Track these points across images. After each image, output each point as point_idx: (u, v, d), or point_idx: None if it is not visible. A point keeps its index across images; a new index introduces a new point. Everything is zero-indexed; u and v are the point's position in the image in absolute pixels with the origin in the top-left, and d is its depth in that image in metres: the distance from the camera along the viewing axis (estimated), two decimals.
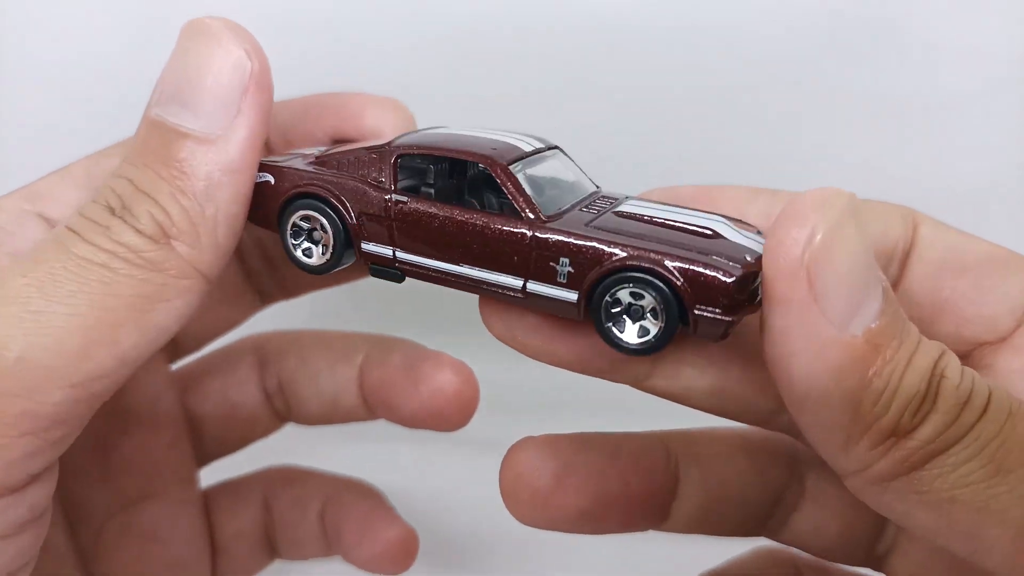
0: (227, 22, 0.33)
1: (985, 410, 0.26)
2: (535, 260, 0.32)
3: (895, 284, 0.35)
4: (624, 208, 0.34)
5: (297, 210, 0.35)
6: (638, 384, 0.35)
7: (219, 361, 0.47)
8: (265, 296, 0.47)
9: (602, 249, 0.31)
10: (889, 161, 0.58)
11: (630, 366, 0.34)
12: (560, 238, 0.31)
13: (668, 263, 0.30)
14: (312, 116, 0.40)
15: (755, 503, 0.39)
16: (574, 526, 0.38)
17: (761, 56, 0.56)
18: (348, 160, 0.35)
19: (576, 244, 0.31)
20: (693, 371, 0.34)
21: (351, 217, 0.34)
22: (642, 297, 0.31)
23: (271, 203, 0.35)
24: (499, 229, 0.32)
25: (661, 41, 0.56)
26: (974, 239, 0.35)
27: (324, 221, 0.35)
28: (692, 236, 0.32)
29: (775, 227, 0.27)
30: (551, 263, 0.32)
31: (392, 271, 0.34)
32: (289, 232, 0.35)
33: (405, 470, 0.56)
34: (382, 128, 0.39)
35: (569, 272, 0.31)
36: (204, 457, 0.47)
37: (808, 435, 0.29)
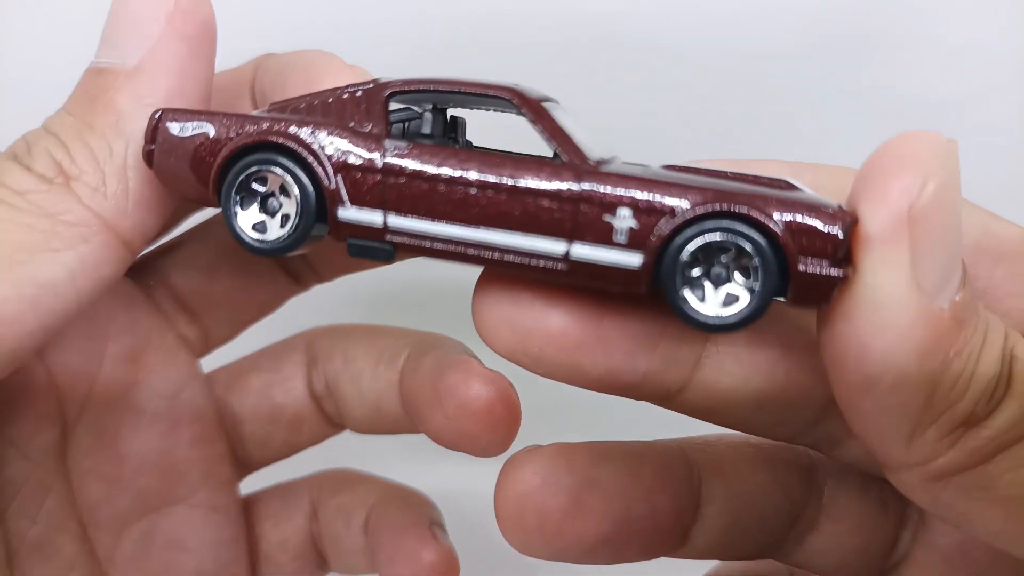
0: None
1: None
2: (584, 215, 0.25)
3: None
4: (673, 164, 0.28)
5: (247, 167, 0.26)
6: (666, 400, 0.30)
7: (265, 358, 0.43)
8: (298, 279, 0.41)
9: (677, 195, 0.24)
10: None
11: (665, 379, 0.28)
12: (618, 184, 0.25)
13: (767, 208, 0.24)
14: (280, 79, 0.34)
15: (776, 520, 0.35)
16: (588, 556, 0.32)
17: (759, 56, 0.56)
18: (318, 103, 0.28)
19: (641, 191, 0.24)
20: (734, 380, 0.29)
21: (326, 175, 0.26)
22: (727, 254, 0.24)
23: (207, 161, 0.27)
24: (536, 177, 0.25)
25: (659, 41, 0.56)
26: (1007, 223, 0.31)
27: (289, 181, 0.26)
28: (769, 187, 0.26)
29: (875, 172, 0.24)
30: (606, 216, 0.25)
31: (380, 246, 0.26)
32: (234, 200, 0.27)
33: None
34: None
35: (631, 228, 0.24)
36: (248, 463, 0.43)
37: (863, 424, 0.25)
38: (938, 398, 0.23)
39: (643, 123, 0.57)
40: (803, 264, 0.24)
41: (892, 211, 0.23)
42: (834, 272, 0.24)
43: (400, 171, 0.26)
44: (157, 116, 0.28)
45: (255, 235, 0.27)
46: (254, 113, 0.28)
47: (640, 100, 0.57)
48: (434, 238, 0.26)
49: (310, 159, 0.26)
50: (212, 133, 0.27)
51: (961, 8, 0.56)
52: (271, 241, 0.27)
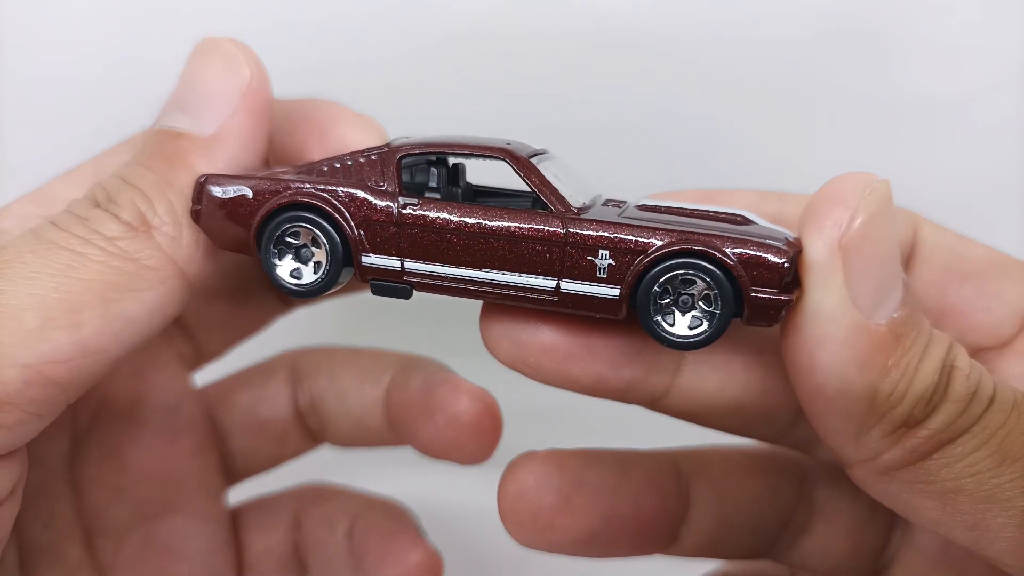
0: (235, 41, 0.33)
1: (991, 402, 0.27)
2: (570, 256, 0.30)
3: None
4: (644, 203, 0.33)
5: (284, 224, 0.31)
6: (654, 404, 0.34)
7: (252, 376, 0.46)
8: (287, 299, 0.45)
9: (647, 237, 0.29)
10: (887, 162, 0.58)
11: (648, 385, 0.33)
12: (598, 230, 0.29)
13: (722, 246, 0.28)
14: (288, 124, 0.38)
15: (767, 523, 0.38)
16: (580, 549, 0.36)
17: (758, 56, 0.56)
18: (339, 166, 0.32)
19: (617, 235, 0.29)
20: (713, 386, 0.33)
21: (351, 228, 0.31)
22: (692, 285, 0.29)
23: (247, 219, 0.31)
24: (528, 226, 0.30)
25: (656, 42, 0.56)
26: (974, 243, 0.35)
27: (320, 235, 0.31)
28: (726, 223, 0.31)
29: (814, 208, 0.27)
30: (589, 257, 0.29)
31: (399, 286, 0.31)
32: (272, 251, 0.32)
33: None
34: (349, 146, 0.37)
35: (610, 265, 0.29)
36: (234, 474, 0.46)
37: (818, 424, 0.29)
38: (878, 403, 0.27)
39: (638, 126, 0.57)
40: (755, 292, 0.28)
41: (827, 241, 0.26)
42: (782, 297, 0.28)
43: (413, 224, 0.31)
44: (202, 180, 0.32)
45: (293, 281, 0.32)
46: (284, 176, 0.32)
47: (639, 100, 0.57)
48: (445, 278, 0.31)
49: (336, 215, 0.31)
50: (250, 195, 0.32)
51: (961, 8, 0.56)
52: (307, 285, 0.32)
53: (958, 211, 0.60)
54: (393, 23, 0.56)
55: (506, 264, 0.30)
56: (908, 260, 0.35)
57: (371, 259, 0.31)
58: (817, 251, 0.27)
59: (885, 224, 0.27)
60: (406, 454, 0.44)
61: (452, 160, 0.35)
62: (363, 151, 0.32)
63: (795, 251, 0.28)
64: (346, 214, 0.31)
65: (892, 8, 0.55)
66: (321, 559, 0.46)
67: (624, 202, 0.33)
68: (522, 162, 0.31)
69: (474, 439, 0.40)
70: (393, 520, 0.45)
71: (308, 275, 0.32)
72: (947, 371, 0.27)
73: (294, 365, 0.46)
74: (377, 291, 0.32)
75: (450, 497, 0.55)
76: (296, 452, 0.46)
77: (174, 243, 0.31)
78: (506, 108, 0.56)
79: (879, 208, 0.27)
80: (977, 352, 0.34)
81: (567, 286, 0.30)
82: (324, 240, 0.31)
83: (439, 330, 0.53)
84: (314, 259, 0.32)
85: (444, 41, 0.56)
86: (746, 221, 0.32)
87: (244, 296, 0.43)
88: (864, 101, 0.57)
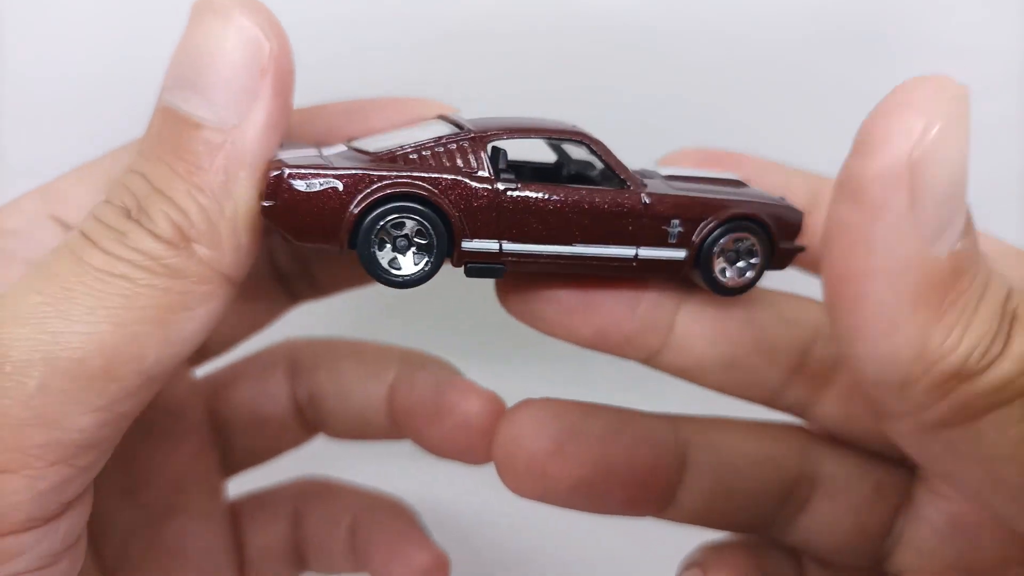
0: (244, 3, 0.30)
1: None
2: (648, 226, 0.33)
3: None
4: (667, 173, 0.37)
5: (388, 215, 0.31)
6: (651, 360, 0.36)
7: (251, 368, 0.45)
8: (295, 295, 0.44)
9: (710, 206, 0.34)
10: None
11: (645, 339, 0.35)
12: (673, 202, 0.33)
13: (763, 212, 0.34)
14: (356, 119, 0.37)
15: (765, 493, 0.38)
16: (572, 499, 0.36)
17: (758, 56, 0.56)
18: (429, 154, 0.32)
19: (687, 205, 0.33)
20: (704, 343, 0.35)
21: (454, 215, 0.31)
22: (741, 243, 0.34)
23: (340, 212, 0.30)
24: (613, 201, 0.33)
25: (656, 41, 0.56)
26: (984, 236, 0.33)
27: (426, 224, 0.31)
28: (737, 188, 0.36)
29: (881, 114, 0.25)
30: (663, 226, 0.33)
31: (494, 267, 0.32)
32: (373, 243, 0.31)
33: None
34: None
35: (680, 232, 0.33)
36: (231, 467, 0.46)
37: (859, 369, 0.26)
38: (930, 348, 0.24)
39: (637, 124, 0.57)
40: (782, 244, 0.35)
41: (894, 153, 0.23)
42: (800, 245, 0.36)
43: (512, 206, 0.32)
44: (280, 174, 0.30)
45: (395, 272, 0.31)
46: (373, 170, 0.31)
47: (638, 100, 0.57)
48: (540, 256, 0.33)
49: (442, 203, 0.31)
50: (340, 187, 0.30)
51: (961, 8, 0.56)
52: (410, 275, 0.31)
53: None
54: (391, 22, 0.56)
55: (594, 238, 0.33)
56: None
57: (472, 244, 0.32)
58: (881, 164, 0.23)
59: (960, 138, 0.23)
60: (403, 447, 0.45)
61: (495, 144, 0.35)
62: (449, 138, 0.32)
63: (801, 213, 0.36)
64: (448, 201, 0.31)
65: (892, 8, 0.56)
66: (323, 557, 0.45)
67: (649, 171, 0.37)
68: (596, 143, 0.34)
69: (484, 441, 0.40)
70: (398, 519, 0.45)
71: (408, 265, 0.31)
72: (1008, 319, 0.24)
73: (293, 357, 0.45)
74: (472, 273, 0.32)
75: (448, 490, 0.55)
76: (293, 444, 0.46)
77: (216, 253, 0.29)
78: (505, 109, 0.56)
79: (959, 119, 0.23)
80: None
81: (644, 253, 0.33)
82: (430, 228, 0.31)
83: (439, 322, 0.53)
84: (414, 248, 0.31)
85: (443, 41, 0.56)
86: (742, 184, 0.37)
87: (252, 291, 0.42)
88: (864, 101, 0.57)
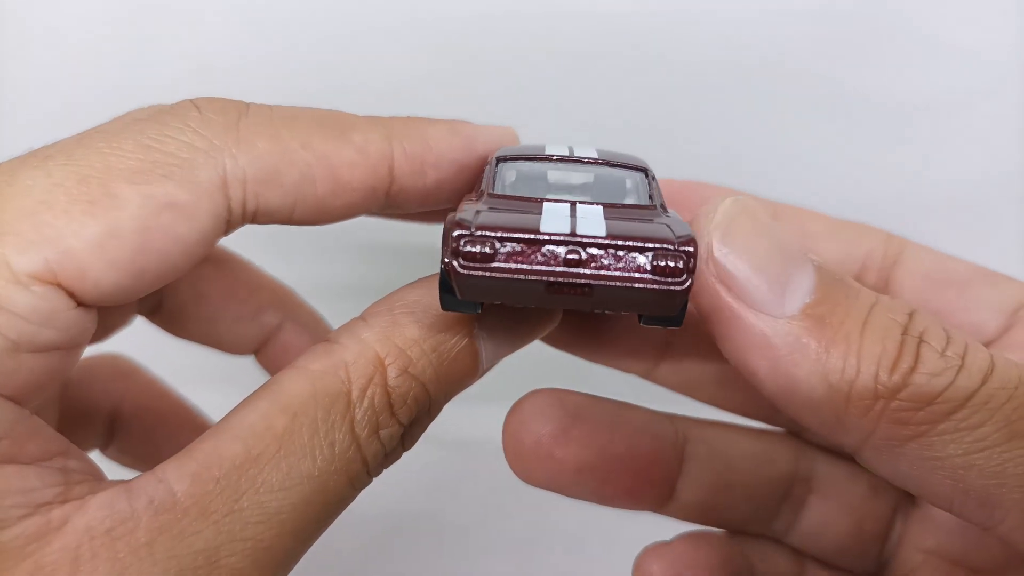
0: None
1: (989, 376, 0.26)
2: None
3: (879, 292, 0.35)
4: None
5: None
6: (648, 374, 0.37)
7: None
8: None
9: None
10: (887, 161, 0.58)
11: (644, 354, 0.36)
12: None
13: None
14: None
15: (762, 490, 0.39)
16: (577, 485, 0.37)
17: (757, 55, 0.56)
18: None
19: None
20: (696, 360, 0.36)
21: None
22: None
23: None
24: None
25: (656, 41, 0.56)
26: (958, 260, 0.36)
27: None
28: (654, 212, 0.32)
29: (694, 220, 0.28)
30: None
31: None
32: None
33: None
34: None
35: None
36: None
37: (806, 425, 0.28)
38: (835, 384, 0.26)
39: (637, 123, 0.58)
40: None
41: (702, 252, 0.27)
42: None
43: None
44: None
45: None
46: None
47: (634, 100, 0.57)
48: None
49: None
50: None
51: (961, 8, 0.56)
52: None
53: (958, 211, 0.61)
54: (391, 25, 0.56)
55: None
56: (890, 271, 0.36)
57: None
58: (695, 291, 0.27)
59: (743, 227, 0.27)
60: None
61: None
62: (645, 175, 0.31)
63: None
64: None
65: (892, 8, 0.56)
66: None
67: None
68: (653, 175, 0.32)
69: None
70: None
71: None
72: (915, 336, 0.26)
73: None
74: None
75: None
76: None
77: None
78: (506, 108, 0.57)
79: (727, 218, 0.27)
80: None
81: None
82: None
83: None
84: None
85: (443, 41, 0.56)
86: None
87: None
88: (864, 101, 0.57)
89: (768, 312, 0.26)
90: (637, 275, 0.25)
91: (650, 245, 0.25)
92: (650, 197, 0.29)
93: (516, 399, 0.37)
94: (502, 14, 0.56)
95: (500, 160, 0.31)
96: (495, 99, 0.57)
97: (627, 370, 0.37)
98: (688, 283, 0.25)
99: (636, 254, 0.25)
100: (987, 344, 0.34)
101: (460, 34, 0.56)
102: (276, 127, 0.29)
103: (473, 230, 0.24)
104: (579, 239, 0.24)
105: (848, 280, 0.27)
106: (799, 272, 0.26)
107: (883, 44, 0.56)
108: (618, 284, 0.24)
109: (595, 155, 0.31)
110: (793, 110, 0.57)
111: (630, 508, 0.38)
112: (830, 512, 0.38)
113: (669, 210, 0.30)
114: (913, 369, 0.25)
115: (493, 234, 0.24)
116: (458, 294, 0.25)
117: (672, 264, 0.25)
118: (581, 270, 0.24)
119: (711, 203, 0.28)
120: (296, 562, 0.27)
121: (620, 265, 0.25)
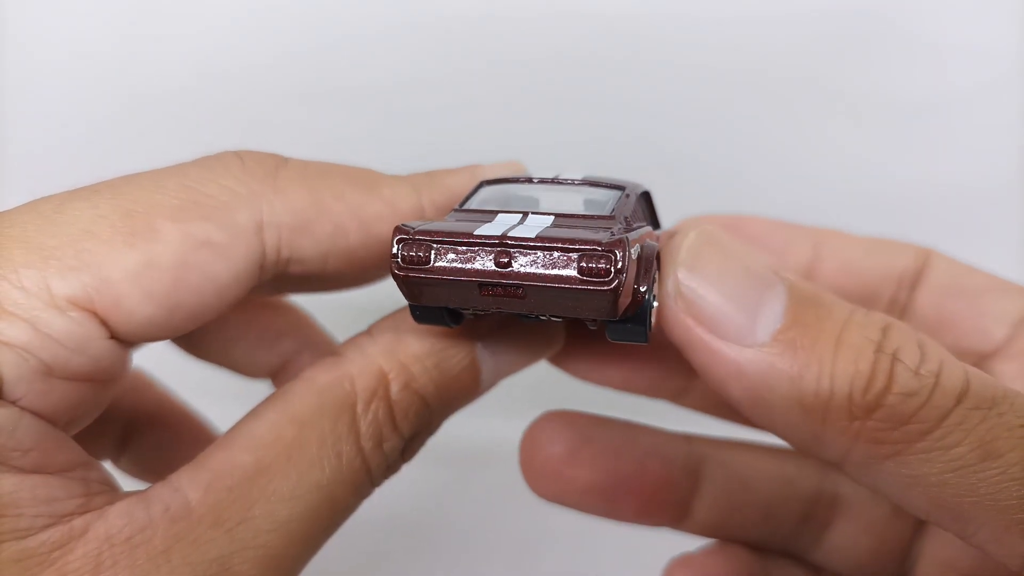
0: None
1: (964, 396, 0.26)
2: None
3: (903, 308, 0.36)
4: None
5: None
6: (678, 398, 0.37)
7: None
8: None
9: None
10: (889, 161, 0.58)
11: (671, 382, 0.37)
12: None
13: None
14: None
15: (782, 511, 0.39)
16: (587, 503, 0.38)
17: (758, 57, 0.56)
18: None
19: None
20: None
21: None
22: None
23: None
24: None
25: (657, 41, 0.56)
26: (976, 271, 0.36)
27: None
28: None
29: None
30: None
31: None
32: None
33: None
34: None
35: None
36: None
37: (789, 444, 0.29)
38: (810, 406, 0.26)
39: (639, 124, 0.58)
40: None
41: (668, 312, 0.27)
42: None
43: None
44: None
45: None
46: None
47: (636, 101, 0.57)
48: None
49: None
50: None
51: (961, 8, 0.56)
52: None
53: (958, 210, 0.61)
54: (392, 26, 0.57)
55: None
56: (914, 285, 0.36)
57: None
58: (666, 326, 0.27)
59: (708, 260, 0.27)
60: None
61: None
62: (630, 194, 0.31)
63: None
64: None
65: (892, 8, 0.56)
66: None
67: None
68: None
69: None
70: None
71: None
72: (888, 354, 0.26)
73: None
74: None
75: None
76: None
77: None
78: (504, 109, 0.57)
79: (690, 254, 0.27)
80: (974, 358, 0.34)
81: None
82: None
83: None
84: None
85: (440, 42, 0.56)
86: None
87: None
88: (864, 101, 0.57)
89: (739, 342, 0.26)
90: (564, 275, 0.25)
91: (576, 247, 0.25)
92: (612, 210, 0.29)
93: (521, 414, 0.39)
94: (502, 14, 0.56)
95: (484, 183, 0.31)
96: (496, 102, 0.57)
97: (654, 396, 0.38)
98: (615, 284, 0.25)
99: (563, 255, 0.25)
100: (991, 353, 0.34)
101: (461, 34, 0.57)
102: (311, 179, 0.29)
103: (412, 235, 0.25)
104: (507, 241, 0.25)
105: (821, 296, 0.27)
106: (769, 295, 0.27)
107: (884, 44, 0.56)
108: (546, 284, 0.25)
109: (579, 177, 0.31)
110: (793, 109, 0.57)
111: (643, 524, 0.39)
112: (853, 532, 0.39)
113: (636, 223, 0.29)
114: (887, 389, 0.26)
115: (429, 238, 0.25)
116: (405, 297, 0.26)
117: (597, 265, 0.25)
118: (510, 270, 0.25)
119: (676, 238, 0.28)
120: (302, 569, 0.27)
121: (548, 267, 0.25)
